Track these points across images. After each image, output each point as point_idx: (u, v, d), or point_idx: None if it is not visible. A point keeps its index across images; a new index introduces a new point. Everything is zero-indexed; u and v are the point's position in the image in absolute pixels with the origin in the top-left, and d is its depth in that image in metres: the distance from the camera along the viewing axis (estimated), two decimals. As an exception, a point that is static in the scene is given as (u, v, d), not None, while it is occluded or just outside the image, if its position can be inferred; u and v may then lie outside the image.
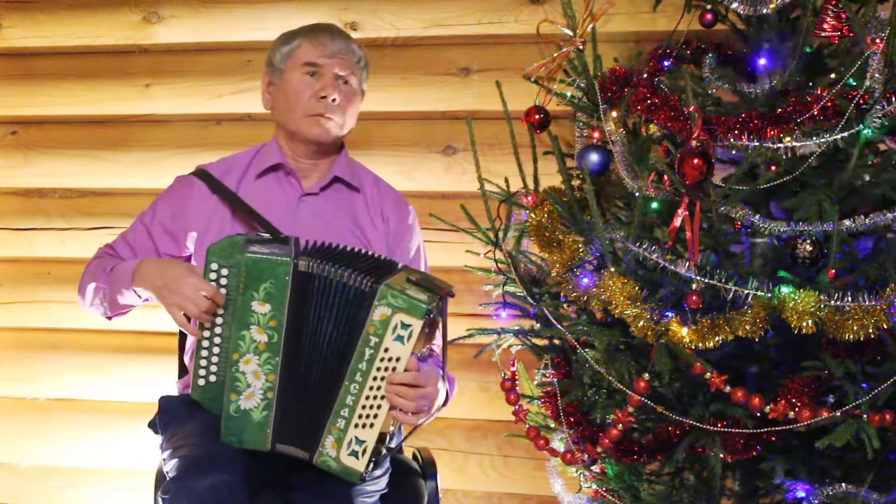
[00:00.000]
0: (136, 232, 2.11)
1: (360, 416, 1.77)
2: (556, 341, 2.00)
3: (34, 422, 2.93)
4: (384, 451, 1.85)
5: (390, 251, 2.10)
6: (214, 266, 1.81)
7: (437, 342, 1.88)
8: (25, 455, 2.94)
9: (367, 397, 1.76)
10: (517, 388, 2.03)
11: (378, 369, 1.75)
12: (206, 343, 1.84)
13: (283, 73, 2.06)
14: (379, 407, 1.77)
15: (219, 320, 1.82)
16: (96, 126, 2.83)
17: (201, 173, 2.09)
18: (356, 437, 1.77)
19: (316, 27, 2.09)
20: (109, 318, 2.09)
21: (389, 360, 1.74)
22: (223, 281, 1.81)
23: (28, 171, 2.87)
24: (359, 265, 1.80)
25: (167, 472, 1.82)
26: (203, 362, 1.85)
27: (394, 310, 1.72)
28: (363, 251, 1.89)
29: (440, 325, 1.83)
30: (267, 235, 1.90)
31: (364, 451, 1.77)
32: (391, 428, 1.85)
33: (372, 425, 1.77)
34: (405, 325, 1.72)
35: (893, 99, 1.60)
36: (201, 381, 1.86)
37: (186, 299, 1.81)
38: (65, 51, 2.80)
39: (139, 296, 1.96)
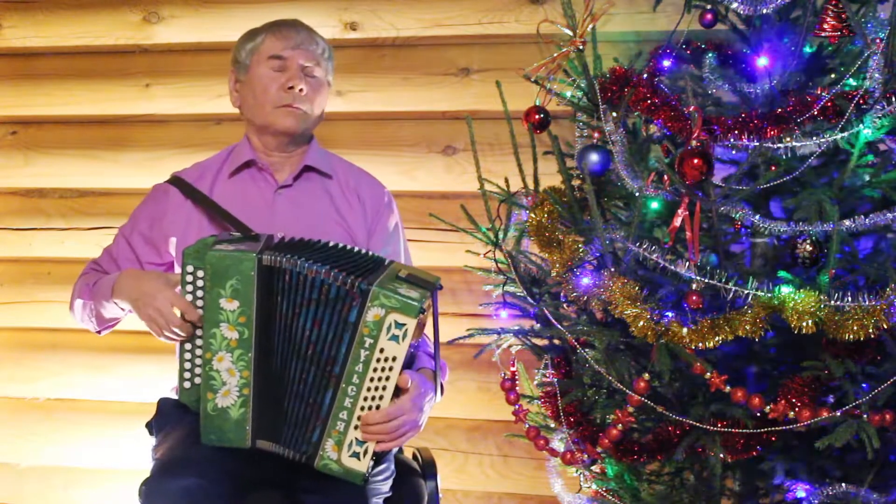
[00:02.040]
0: (118, 245, 2.13)
1: (359, 418, 1.76)
2: (556, 341, 2.00)
3: (34, 422, 2.93)
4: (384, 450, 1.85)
5: (370, 231, 2.10)
6: (190, 269, 1.81)
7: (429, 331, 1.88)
8: (25, 455, 2.94)
9: (366, 398, 1.76)
10: (517, 388, 2.03)
11: (374, 370, 1.75)
12: (188, 346, 1.86)
13: (248, 68, 2.07)
14: (378, 408, 1.77)
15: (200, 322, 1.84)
16: (96, 126, 2.83)
17: (175, 180, 2.10)
18: (356, 439, 1.77)
19: (279, 22, 2.11)
20: (99, 332, 2.12)
21: (385, 360, 1.75)
22: (199, 283, 1.81)
23: (28, 171, 2.87)
24: (343, 262, 1.79)
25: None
26: (187, 365, 1.86)
27: (387, 310, 1.72)
28: (343, 245, 1.88)
29: (431, 317, 1.84)
30: (238, 234, 1.91)
31: (365, 452, 1.77)
32: None
33: None
34: (399, 325, 1.72)
35: (893, 99, 1.60)
36: (187, 384, 1.87)
37: (158, 312, 1.84)
38: (65, 51, 2.80)
39: (121, 308, 1.98)
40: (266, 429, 1.81)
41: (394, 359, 1.74)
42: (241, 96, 2.10)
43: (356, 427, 1.77)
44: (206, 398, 1.80)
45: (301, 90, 2.03)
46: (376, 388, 1.76)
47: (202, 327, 1.80)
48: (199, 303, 1.82)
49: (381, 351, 1.74)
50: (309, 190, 2.10)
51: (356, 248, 1.89)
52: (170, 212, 2.07)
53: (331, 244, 1.86)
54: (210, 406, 1.80)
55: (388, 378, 1.75)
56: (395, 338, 1.73)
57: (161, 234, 2.08)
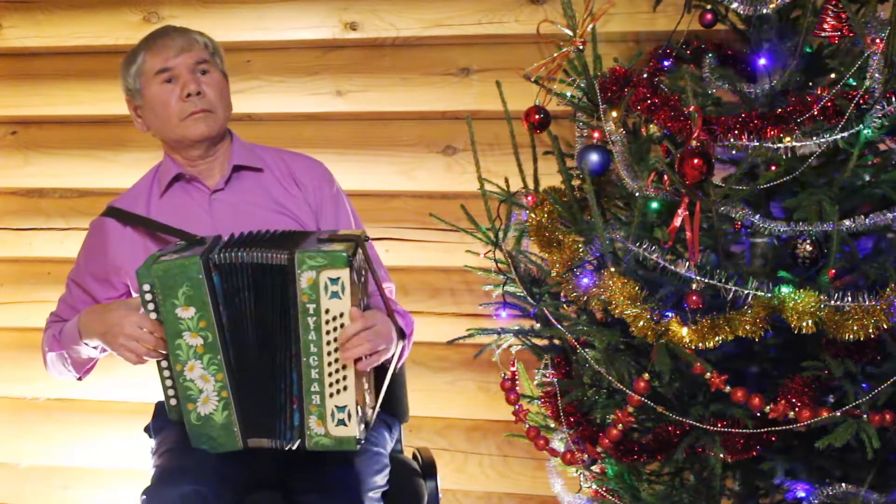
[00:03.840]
0: (71, 291, 2.12)
1: (330, 385, 1.76)
2: (556, 341, 2.00)
3: (34, 422, 2.93)
4: (370, 410, 1.85)
5: (317, 210, 2.09)
6: (147, 287, 1.79)
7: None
8: (25, 455, 2.94)
9: (330, 363, 1.76)
10: (517, 388, 2.03)
11: (328, 332, 1.75)
12: (164, 363, 1.84)
13: (141, 91, 2.03)
14: (345, 367, 1.76)
15: None
16: (96, 126, 2.83)
17: (109, 211, 2.08)
18: (336, 406, 1.77)
19: (151, 35, 2.07)
20: (80, 378, 2.10)
21: (334, 318, 1.74)
22: (158, 299, 1.80)
23: (28, 171, 2.87)
24: (272, 243, 1.80)
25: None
26: (168, 382, 1.85)
27: (317, 270, 1.72)
28: (291, 231, 1.88)
29: (371, 271, 1.84)
30: (182, 243, 1.89)
31: (349, 416, 1.77)
32: (365, 386, 1.85)
33: (346, 388, 1.77)
34: (334, 280, 1.72)
35: (893, 99, 1.60)
36: (172, 401, 1.86)
37: (130, 339, 1.83)
38: (65, 51, 2.80)
39: (93, 347, 1.97)
40: (255, 425, 1.81)
41: (341, 315, 1.74)
42: (146, 121, 2.07)
43: (331, 395, 1.76)
44: (187, 410, 1.79)
45: (199, 93, 1.99)
46: (336, 350, 1.75)
47: (167, 341, 1.79)
48: (161, 317, 1.80)
49: (327, 311, 1.74)
50: (243, 189, 2.08)
51: (287, 230, 1.89)
52: (111, 243, 2.05)
53: (278, 232, 1.86)
54: (194, 417, 1.79)
55: None
56: (335, 294, 1.73)
57: (110, 267, 2.05)
